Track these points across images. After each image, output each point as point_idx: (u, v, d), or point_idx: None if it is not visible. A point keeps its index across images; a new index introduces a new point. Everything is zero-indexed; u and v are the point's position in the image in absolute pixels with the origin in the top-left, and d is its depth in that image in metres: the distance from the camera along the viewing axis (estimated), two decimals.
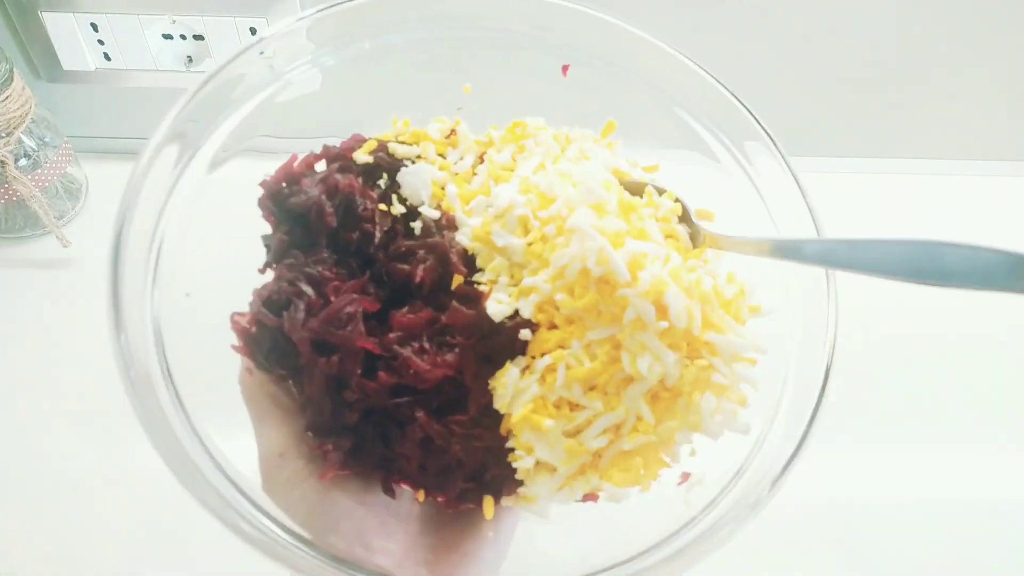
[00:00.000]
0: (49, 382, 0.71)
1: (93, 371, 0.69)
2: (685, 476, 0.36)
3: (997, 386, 0.76)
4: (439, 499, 0.37)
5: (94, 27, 0.72)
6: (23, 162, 0.73)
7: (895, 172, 0.89)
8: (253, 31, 0.72)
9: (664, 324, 0.34)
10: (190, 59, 0.76)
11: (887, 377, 0.75)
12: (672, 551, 0.32)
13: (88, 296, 0.76)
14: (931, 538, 0.67)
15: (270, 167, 0.40)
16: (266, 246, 0.39)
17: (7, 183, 0.72)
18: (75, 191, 0.81)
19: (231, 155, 0.40)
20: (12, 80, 0.68)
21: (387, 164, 0.41)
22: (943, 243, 0.30)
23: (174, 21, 0.72)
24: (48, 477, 0.65)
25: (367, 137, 0.42)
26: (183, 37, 0.74)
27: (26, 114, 0.70)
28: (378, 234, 0.39)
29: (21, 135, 0.71)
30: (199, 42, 0.74)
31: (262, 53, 0.40)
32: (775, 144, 0.42)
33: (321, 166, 0.41)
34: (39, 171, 0.74)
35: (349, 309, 0.36)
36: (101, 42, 0.74)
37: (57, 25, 0.72)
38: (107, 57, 0.75)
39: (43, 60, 0.75)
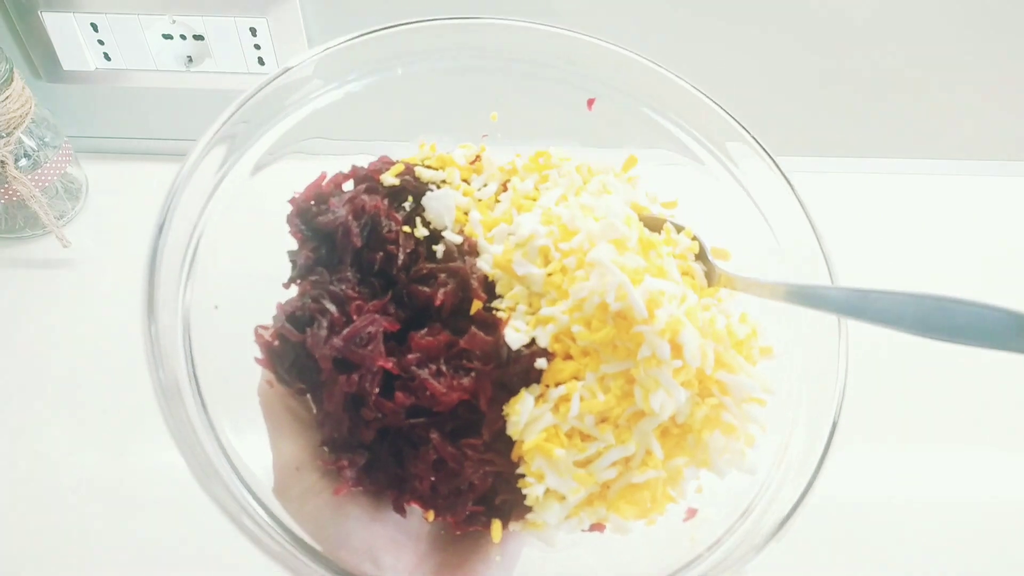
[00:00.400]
0: (49, 382, 0.71)
1: (93, 371, 0.71)
2: (691, 512, 0.37)
3: (1002, 388, 0.75)
4: (448, 520, 0.38)
5: (94, 27, 0.72)
6: (23, 162, 0.73)
7: (892, 172, 0.90)
8: (253, 31, 0.72)
9: (678, 363, 0.35)
10: (190, 59, 0.76)
11: (893, 378, 0.74)
12: None
13: (88, 296, 0.76)
14: (933, 539, 0.66)
15: (310, 169, 0.41)
16: (292, 261, 0.40)
17: (7, 183, 0.72)
18: (75, 191, 0.81)
19: (275, 159, 0.41)
20: (12, 80, 0.68)
21: (413, 187, 0.42)
22: (955, 300, 0.31)
23: (174, 21, 0.72)
24: (48, 477, 0.65)
25: (394, 159, 0.43)
26: (183, 37, 0.74)
27: (26, 114, 0.70)
28: (401, 256, 0.40)
29: (21, 135, 0.71)
30: (199, 42, 0.74)
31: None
32: (771, 157, 0.43)
33: (348, 186, 0.42)
34: (39, 171, 0.74)
35: (370, 329, 0.37)
36: (101, 42, 0.73)
37: (57, 25, 0.72)
38: (107, 57, 0.75)
39: (43, 60, 0.75)
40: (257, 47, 0.74)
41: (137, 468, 0.66)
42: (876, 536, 0.67)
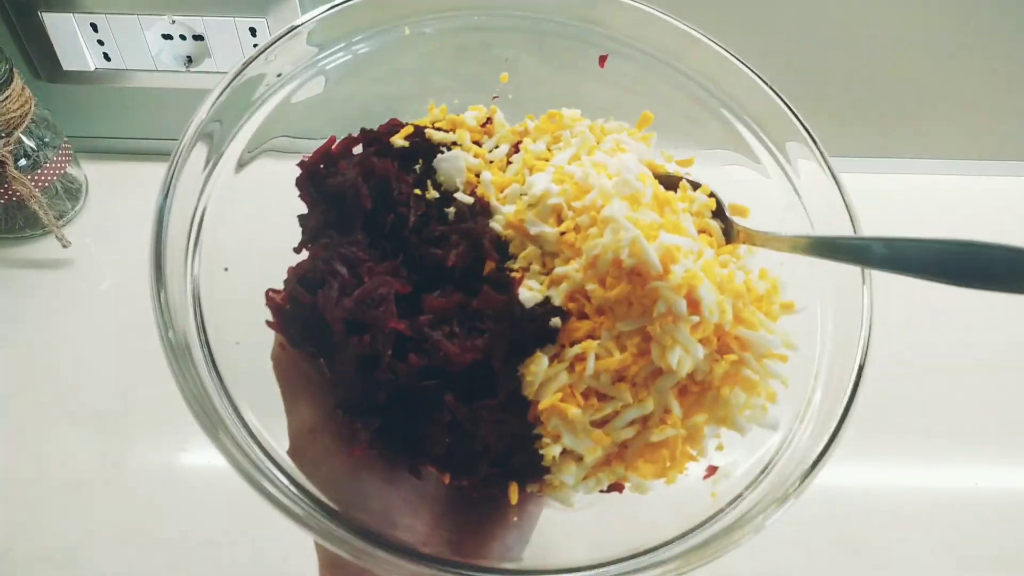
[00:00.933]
0: (49, 382, 0.71)
1: (93, 371, 0.71)
2: (711, 470, 0.36)
3: (1004, 386, 0.74)
4: (464, 483, 0.38)
5: (94, 27, 0.72)
6: (23, 162, 0.73)
7: (893, 172, 0.89)
8: (253, 31, 0.72)
9: (695, 318, 0.34)
10: (189, 59, 0.75)
11: (893, 375, 0.74)
12: (697, 542, 0.32)
13: (88, 296, 0.76)
14: (931, 537, 0.66)
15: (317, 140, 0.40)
16: (302, 226, 0.40)
17: (7, 183, 0.71)
18: (75, 191, 0.81)
19: (256, 155, 0.41)
20: (12, 80, 0.68)
21: (423, 149, 0.41)
22: (981, 244, 0.30)
23: (173, 21, 0.72)
24: (48, 477, 0.65)
25: (404, 122, 0.42)
26: (183, 37, 0.73)
27: (26, 114, 0.70)
28: (412, 217, 0.39)
29: (21, 135, 0.71)
30: (199, 42, 0.74)
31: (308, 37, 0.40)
32: (816, 143, 0.42)
33: (359, 150, 0.42)
34: (39, 171, 0.74)
35: (382, 290, 0.36)
36: (101, 42, 0.73)
37: (57, 25, 0.72)
38: (107, 57, 0.75)
39: (43, 60, 0.75)
40: (256, 47, 0.73)
41: (138, 467, 0.66)
42: (877, 531, 0.66)
